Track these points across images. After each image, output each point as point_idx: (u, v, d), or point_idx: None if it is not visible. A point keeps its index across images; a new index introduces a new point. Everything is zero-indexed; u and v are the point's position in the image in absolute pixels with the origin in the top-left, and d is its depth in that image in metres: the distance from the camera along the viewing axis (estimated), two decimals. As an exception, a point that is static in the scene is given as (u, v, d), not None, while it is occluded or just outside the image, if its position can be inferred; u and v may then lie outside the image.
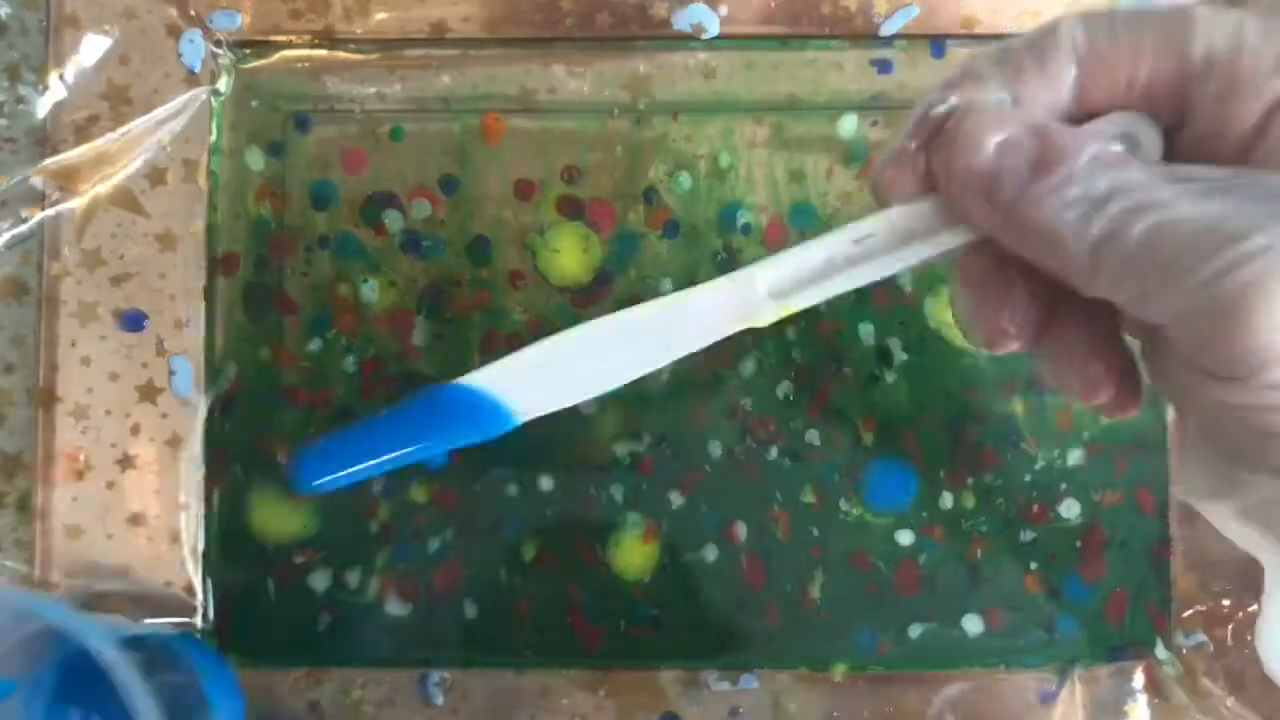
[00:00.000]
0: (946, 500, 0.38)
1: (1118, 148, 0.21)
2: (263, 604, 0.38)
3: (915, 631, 0.38)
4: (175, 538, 0.38)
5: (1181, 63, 0.21)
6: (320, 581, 0.38)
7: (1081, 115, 0.22)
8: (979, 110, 0.21)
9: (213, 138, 0.38)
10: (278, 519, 0.38)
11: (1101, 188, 0.20)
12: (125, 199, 0.38)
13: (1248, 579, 0.37)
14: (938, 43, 0.39)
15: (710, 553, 0.38)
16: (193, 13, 0.38)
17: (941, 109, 0.22)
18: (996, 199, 0.21)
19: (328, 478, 0.24)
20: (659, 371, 0.38)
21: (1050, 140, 0.20)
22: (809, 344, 0.38)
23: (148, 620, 0.37)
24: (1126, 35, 0.21)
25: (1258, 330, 0.17)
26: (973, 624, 0.38)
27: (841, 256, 0.23)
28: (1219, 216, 0.18)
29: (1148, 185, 0.19)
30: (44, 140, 0.37)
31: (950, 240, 0.22)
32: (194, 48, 0.38)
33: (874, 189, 0.24)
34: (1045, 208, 0.20)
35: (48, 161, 0.37)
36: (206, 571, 0.38)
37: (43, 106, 0.37)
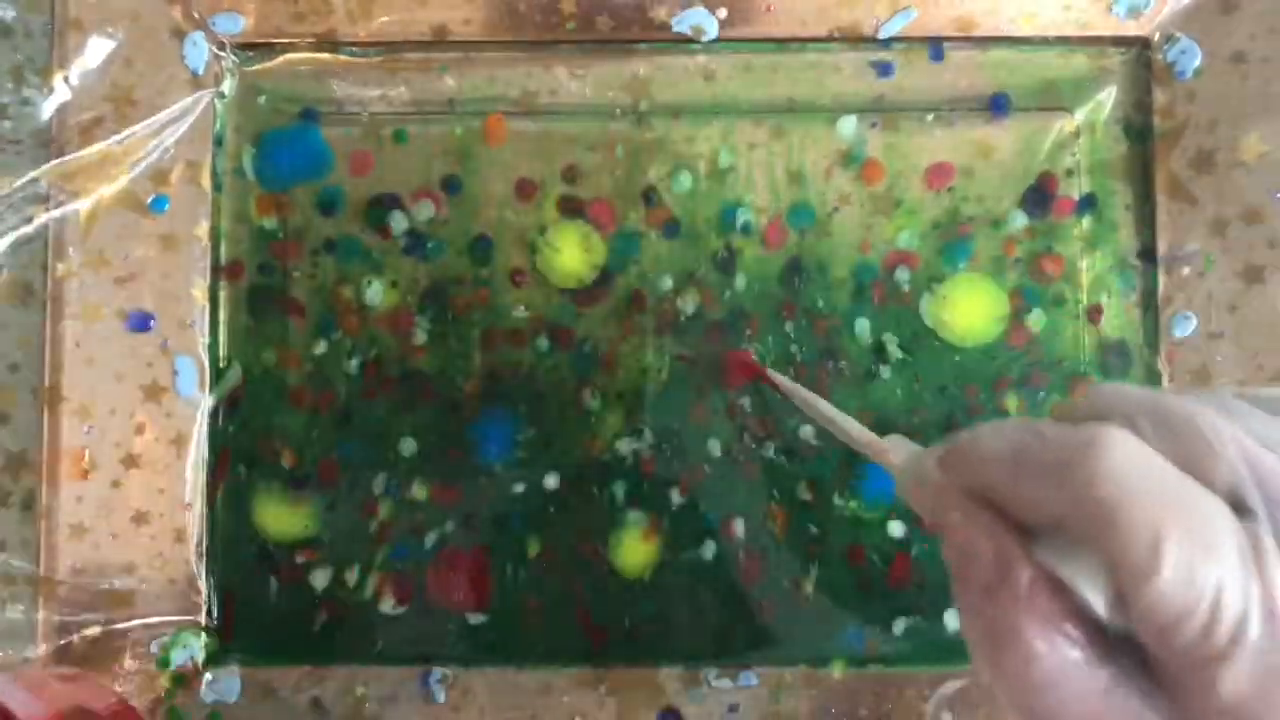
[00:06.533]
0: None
1: None
2: (265, 602, 0.39)
3: (902, 626, 0.38)
4: (179, 537, 0.38)
5: None
6: (321, 580, 0.38)
7: None
8: None
9: (216, 140, 0.39)
10: (280, 518, 0.39)
11: None
12: (129, 200, 0.38)
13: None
14: (936, 45, 0.39)
15: (709, 550, 0.38)
16: (196, 15, 0.38)
17: None
18: None
19: None
20: (659, 370, 0.39)
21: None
22: (807, 340, 0.39)
23: (151, 619, 0.37)
24: None
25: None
26: (957, 619, 0.38)
27: None
28: None
29: None
30: (49, 142, 0.38)
31: None
32: (197, 50, 0.38)
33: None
34: None
35: (53, 163, 0.37)
36: (209, 570, 0.38)
37: (47, 109, 0.38)
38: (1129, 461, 0.19)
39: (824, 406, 0.34)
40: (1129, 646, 0.20)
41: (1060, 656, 0.19)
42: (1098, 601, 0.19)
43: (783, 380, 0.37)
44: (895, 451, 0.28)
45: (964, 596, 0.21)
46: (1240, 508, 0.19)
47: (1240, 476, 0.19)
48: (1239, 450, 0.19)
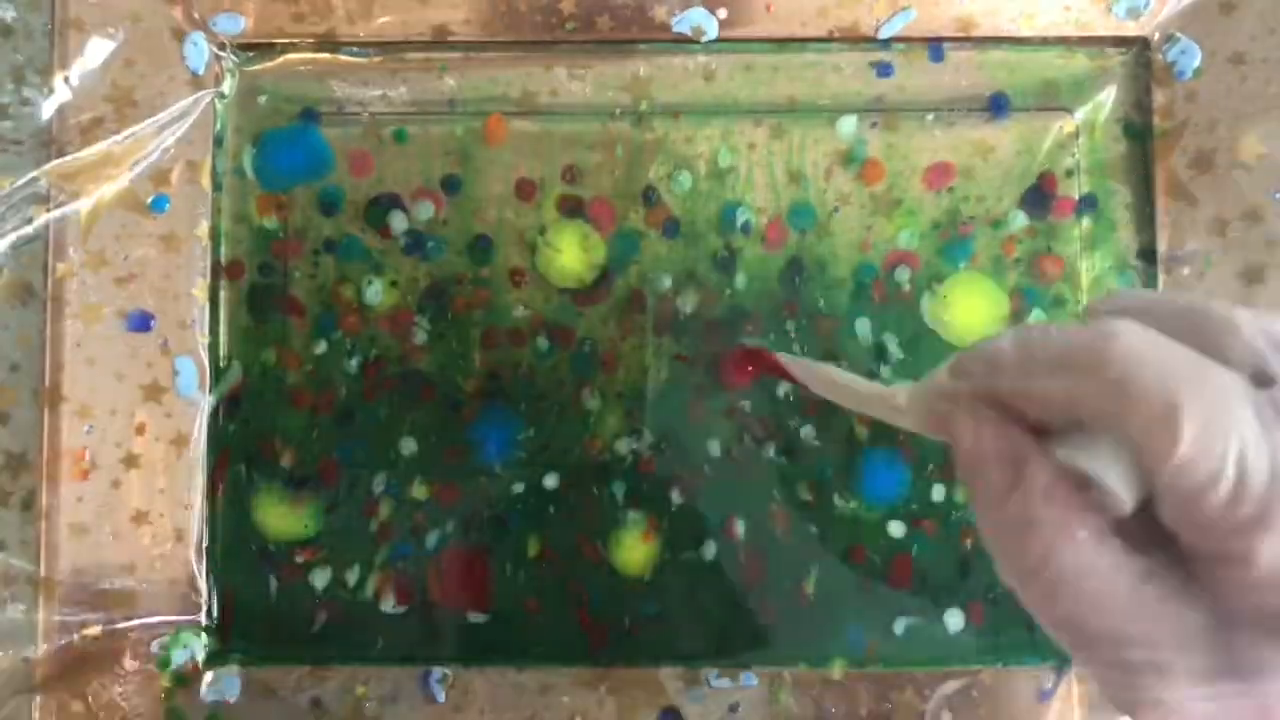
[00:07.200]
0: (938, 493, 0.39)
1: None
2: (265, 602, 0.38)
3: (902, 626, 0.38)
4: (179, 536, 0.38)
5: None
6: (321, 580, 0.38)
7: None
8: None
9: (216, 140, 0.39)
10: (280, 518, 0.39)
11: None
12: (130, 200, 0.38)
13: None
14: (936, 46, 0.39)
15: (709, 550, 0.38)
16: (196, 16, 0.38)
17: None
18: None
19: None
20: (659, 370, 0.39)
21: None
22: (808, 340, 0.39)
23: (151, 618, 0.37)
24: None
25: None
26: (958, 619, 0.38)
27: None
28: None
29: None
30: (49, 142, 0.38)
31: None
32: (198, 50, 0.38)
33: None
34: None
35: (53, 163, 0.37)
36: (210, 569, 0.38)
37: (48, 109, 0.38)
38: (1141, 344, 0.19)
39: (835, 374, 0.33)
40: (1160, 542, 0.19)
41: (1084, 548, 0.19)
42: (1121, 489, 0.19)
43: (789, 362, 0.35)
44: (901, 393, 0.27)
45: (981, 505, 0.21)
46: (1261, 380, 0.19)
47: (1258, 347, 0.19)
48: (1256, 325, 0.19)
